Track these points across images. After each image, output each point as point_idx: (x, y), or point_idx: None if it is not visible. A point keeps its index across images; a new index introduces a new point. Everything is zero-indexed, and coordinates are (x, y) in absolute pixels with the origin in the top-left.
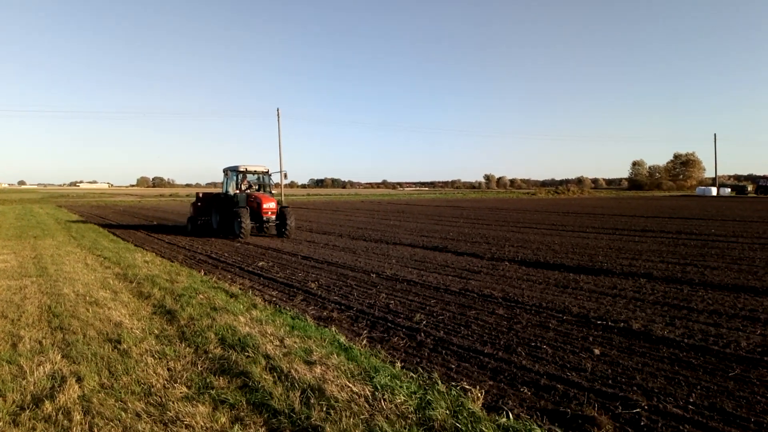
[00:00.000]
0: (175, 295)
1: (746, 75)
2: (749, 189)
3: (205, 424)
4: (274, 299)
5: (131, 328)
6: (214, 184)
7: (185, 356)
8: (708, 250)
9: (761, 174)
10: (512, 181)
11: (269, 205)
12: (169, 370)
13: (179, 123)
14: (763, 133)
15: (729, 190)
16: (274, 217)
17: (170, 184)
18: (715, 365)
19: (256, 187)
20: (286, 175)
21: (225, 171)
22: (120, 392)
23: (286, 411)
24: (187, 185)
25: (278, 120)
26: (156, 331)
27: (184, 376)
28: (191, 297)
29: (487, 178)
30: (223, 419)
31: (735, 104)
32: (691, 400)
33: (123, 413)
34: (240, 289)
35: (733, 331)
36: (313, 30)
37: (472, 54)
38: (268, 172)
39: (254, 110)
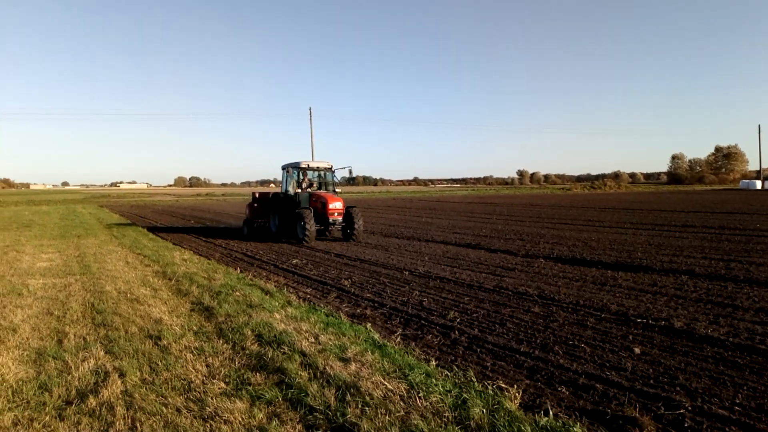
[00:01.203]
0: (212, 292)
1: None
2: None
3: (243, 419)
4: (309, 296)
5: (171, 325)
6: (249, 183)
7: (223, 352)
8: (753, 246)
9: None
10: (546, 177)
11: (335, 205)
12: (207, 366)
13: (214, 123)
14: None
15: None
16: (340, 218)
17: (206, 184)
18: (762, 365)
19: (317, 185)
20: (351, 172)
21: (285, 168)
22: (161, 387)
23: (322, 408)
24: (223, 185)
25: (310, 118)
26: (194, 328)
27: (222, 372)
28: (228, 294)
29: (520, 173)
30: (260, 415)
31: None
32: (737, 400)
33: (164, 408)
34: (275, 286)
35: None
36: (344, 30)
37: (504, 50)
38: (331, 168)
39: (287, 110)
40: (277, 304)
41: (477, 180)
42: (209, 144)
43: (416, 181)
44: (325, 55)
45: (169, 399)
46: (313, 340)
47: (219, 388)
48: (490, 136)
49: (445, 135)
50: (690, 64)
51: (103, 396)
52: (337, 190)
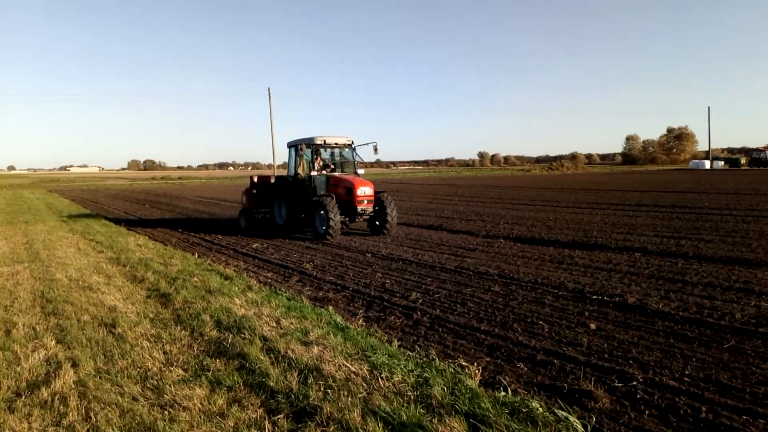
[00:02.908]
0: (169, 278)
1: (740, 47)
2: (742, 161)
3: (202, 406)
4: (270, 281)
5: (126, 312)
6: (206, 166)
7: (181, 339)
8: (702, 224)
9: (754, 147)
10: (506, 158)
11: (364, 191)
12: (165, 353)
13: (170, 105)
14: (756, 105)
15: (722, 163)
16: (370, 207)
17: (162, 167)
18: (710, 337)
19: (332, 166)
20: (376, 149)
21: (293, 146)
22: (116, 376)
23: (284, 391)
24: (179, 168)
25: (269, 100)
26: (151, 315)
27: (181, 359)
28: (185, 280)
29: (481, 155)
30: (221, 401)
31: (728, 77)
32: (687, 372)
33: (120, 397)
34: (235, 271)
35: (728, 303)
36: (301, 9)
37: (464, 30)
38: (352, 144)
39: (245, 91)
40: (236, 289)
41: (439, 162)
42: (165, 126)
43: (378, 164)
44: (285, 31)
45: (125, 388)
46: (274, 324)
47: (177, 376)
48: (452, 118)
49: (407, 117)
50: (644, 46)
51: (55, 387)
52: (359, 171)
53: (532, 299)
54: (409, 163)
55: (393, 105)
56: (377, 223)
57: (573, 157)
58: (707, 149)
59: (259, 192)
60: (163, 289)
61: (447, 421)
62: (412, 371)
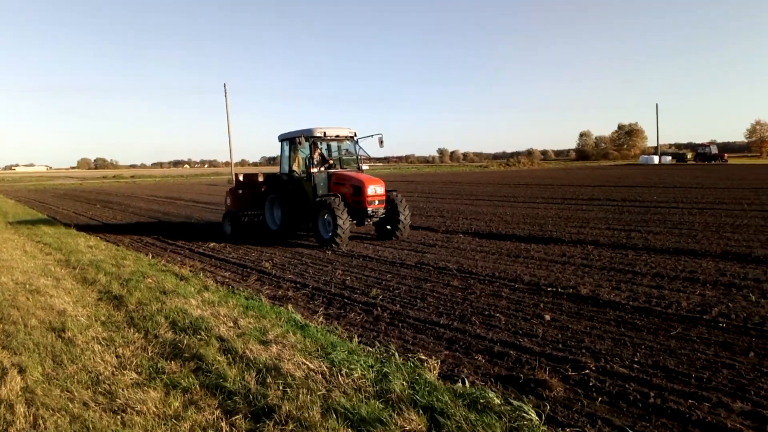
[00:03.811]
0: (121, 280)
1: (687, 44)
2: (689, 157)
3: (157, 409)
4: (227, 280)
5: (75, 316)
6: (161, 164)
7: (134, 342)
8: (651, 216)
9: (699, 142)
10: (465, 155)
11: (375, 190)
12: (117, 356)
13: (122, 101)
14: (701, 102)
15: (670, 158)
16: (382, 208)
17: (114, 165)
18: (657, 325)
19: (331, 162)
20: (381, 141)
21: (287, 139)
22: (66, 382)
23: (242, 392)
24: (132, 166)
25: (225, 96)
26: (102, 318)
27: (134, 362)
28: (139, 281)
29: (441, 152)
30: (176, 404)
31: (676, 74)
32: (636, 359)
33: (69, 403)
34: (190, 271)
35: (675, 292)
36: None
37: (422, 25)
38: (355, 137)
39: (201, 86)
40: (192, 289)
41: (399, 158)
42: (117, 123)
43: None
44: (242, 25)
45: (76, 393)
46: (231, 324)
47: (130, 379)
48: (412, 114)
49: (368, 114)
50: (596, 44)
51: (0, 394)
52: (363, 167)
53: (490, 292)
54: (370, 159)
55: (353, 102)
56: (388, 227)
57: (529, 153)
58: (656, 145)
59: (245, 192)
60: (116, 291)
61: (406, 415)
62: (371, 367)
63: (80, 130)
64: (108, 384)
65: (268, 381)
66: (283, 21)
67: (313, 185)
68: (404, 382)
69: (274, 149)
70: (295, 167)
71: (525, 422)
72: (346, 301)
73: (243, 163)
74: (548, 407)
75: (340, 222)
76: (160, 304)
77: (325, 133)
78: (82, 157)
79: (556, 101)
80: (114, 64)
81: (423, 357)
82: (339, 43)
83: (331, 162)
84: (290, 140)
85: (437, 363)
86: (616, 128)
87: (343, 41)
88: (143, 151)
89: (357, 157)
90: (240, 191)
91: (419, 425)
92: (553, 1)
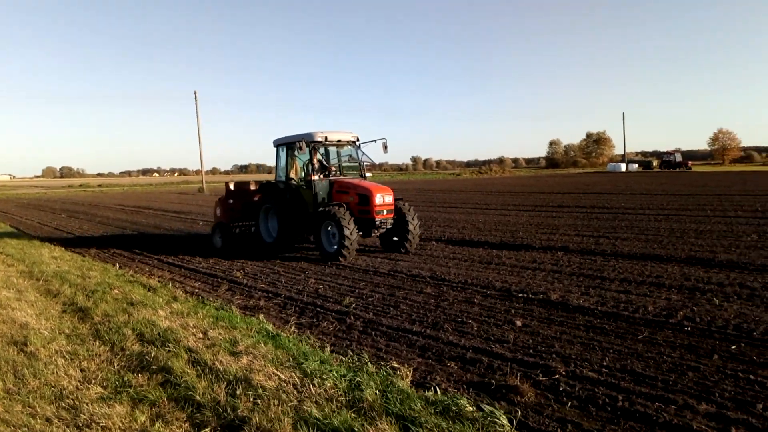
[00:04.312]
0: (87, 291)
1: (653, 54)
2: (654, 164)
3: (123, 424)
4: (197, 291)
5: (38, 329)
6: (129, 173)
7: (100, 355)
8: (618, 223)
9: (665, 150)
10: (438, 163)
11: (383, 199)
12: (82, 370)
13: (89, 108)
14: (668, 111)
15: (636, 165)
16: (390, 218)
17: (80, 174)
18: (625, 329)
19: (333, 169)
20: (386, 147)
21: (285, 144)
22: (28, 397)
23: (211, 404)
24: (99, 174)
25: (196, 103)
26: (67, 331)
27: (99, 376)
28: (105, 293)
29: (414, 160)
30: (143, 418)
31: (642, 84)
32: (605, 363)
33: (31, 419)
34: (159, 281)
35: (642, 296)
36: (228, 11)
37: (394, 33)
38: (357, 141)
39: (170, 94)
40: (161, 300)
41: (373, 166)
42: (84, 131)
43: None
44: (211, 33)
45: (38, 409)
46: (201, 335)
47: (96, 393)
48: (386, 122)
49: (340, 121)
50: (566, 54)
51: None
52: (366, 174)
53: (463, 299)
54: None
55: (326, 109)
56: (395, 238)
57: (501, 161)
58: (623, 153)
59: (236, 202)
60: (81, 303)
61: (378, 424)
62: (344, 376)
63: (45, 138)
64: (72, 399)
65: (238, 393)
66: (253, 29)
67: (314, 194)
68: (377, 391)
69: (246, 157)
70: (292, 174)
71: (497, 428)
72: (318, 309)
73: (214, 171)
74: (519, 413)
75: (347, 233)
76: (127, 316)
77: (326, 137)
78: (48, 165)
79: (527, 110)
80: (80, 70)
81: (396, 365)
82: (310, 53)
83: (332, 169)
84: (287, 145)
85: (410, 371)
86: (584, 136)
87: (315, 50)
88: (111, 160)
89: (360, 164)
90: (231, 201)
91: None
92: (522, 13)
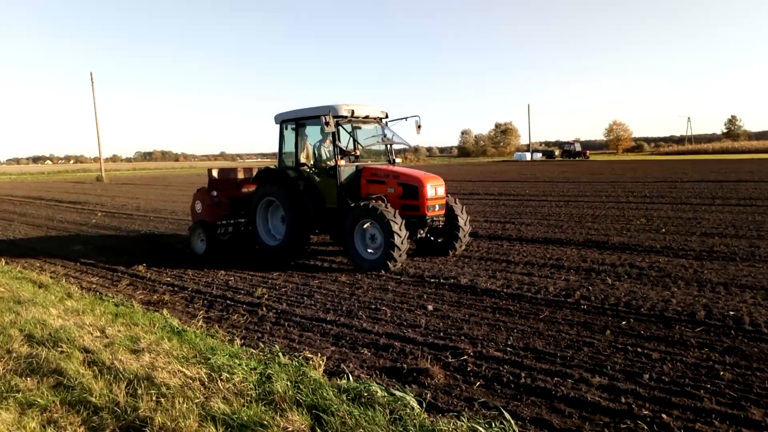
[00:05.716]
0: None
1: (557, 47)
2: (556, 153)
3: (10, 431)
4: (95, 286)
5: None
6: (17, 161)
7: None
8: (523, 209)
9: (566, 140)
10: None
11: (437, 191)
12: None
13: None
14: (569, 103)
15: (540, 154)
16: (443, 214)
17: None
18: (528, 310)
19: (357, 153)
20: (419, 126)
21: (297, 120)
22: None
23: (109, 406)
24: None
25: (92, 84)
26: None
27: None
28: None
29: None
30: (33, 424)
31: (546, 76)
32: (510, 342)
33: None
34: (51, 277)
35: (543, 278)
36: None
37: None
38: (386, 119)
39: (64, 73)
40: (53, 297)
41: (406, 150)
42: None
43: (223, 156)
44: (108, 12)
45: None
46: (98, 333)
47: None
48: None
49: (254, 107)
50: (477, 47)
51: None
52: (396, 159)
53: (377, 287)
54: (257, 155)
55: (240, 93)
56: (439, 239)
57: (416, 150)
58: (528, 142)
59: (222, 195)
60: None
61: (289, 416)
62: (254, 369)
63: None
64: None
65: (139, 392)
66: (152, 3)
67: (339, 184)
68: (288, 383)
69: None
70: (303, 158)
71: (407, 411)
72: (229, 302)
73: (115, 159)
74: (429, 395)
75: (396, 234)
76: (14, 315)
77: (353, 111)
78: None
79: (440, 100)
80: None
81: (309, 355)
82: (223, 36)
83: (358, 152)
84: (297, 122)
85: (323, 360)
86: (493, 127)
87: (227, 35)
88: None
89: (390, 146)
90: (214, 194)
91: (302, 425)
92: (434, 6)
